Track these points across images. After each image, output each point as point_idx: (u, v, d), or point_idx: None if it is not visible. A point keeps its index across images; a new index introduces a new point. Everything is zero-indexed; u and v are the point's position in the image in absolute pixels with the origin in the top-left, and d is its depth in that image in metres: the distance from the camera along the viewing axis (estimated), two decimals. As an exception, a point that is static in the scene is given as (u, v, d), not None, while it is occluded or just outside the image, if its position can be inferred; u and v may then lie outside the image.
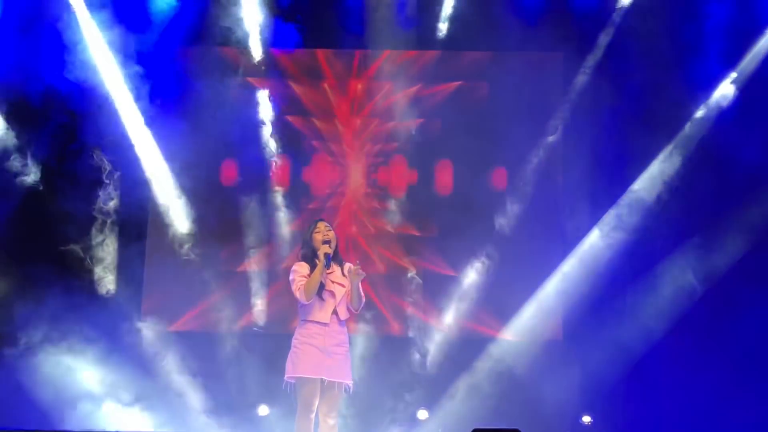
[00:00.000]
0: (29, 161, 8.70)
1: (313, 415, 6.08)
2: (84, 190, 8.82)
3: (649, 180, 8.87)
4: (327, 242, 6.13)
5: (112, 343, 8.57)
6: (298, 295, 6.10)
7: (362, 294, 6.16)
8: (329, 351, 6.04)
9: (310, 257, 6.17)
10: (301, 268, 6.18)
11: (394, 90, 9.27)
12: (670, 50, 8.66)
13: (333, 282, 6.15)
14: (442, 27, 9.17)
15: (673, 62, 8.63)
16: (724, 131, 8.63)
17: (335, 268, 6.20)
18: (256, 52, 9.11)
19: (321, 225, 6.21)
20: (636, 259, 8.72)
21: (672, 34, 8.60)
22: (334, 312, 6.11)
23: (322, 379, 6.06)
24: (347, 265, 6.28)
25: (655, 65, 8.71)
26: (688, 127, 8.84)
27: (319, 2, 9.22)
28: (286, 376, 6.15)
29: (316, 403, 6.07)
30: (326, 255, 6.06)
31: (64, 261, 8.59)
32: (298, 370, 6.04)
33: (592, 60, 8.98)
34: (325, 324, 6.07)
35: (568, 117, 9.04)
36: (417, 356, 8.87)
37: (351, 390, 6.22)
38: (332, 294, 6.13)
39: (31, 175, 8.71)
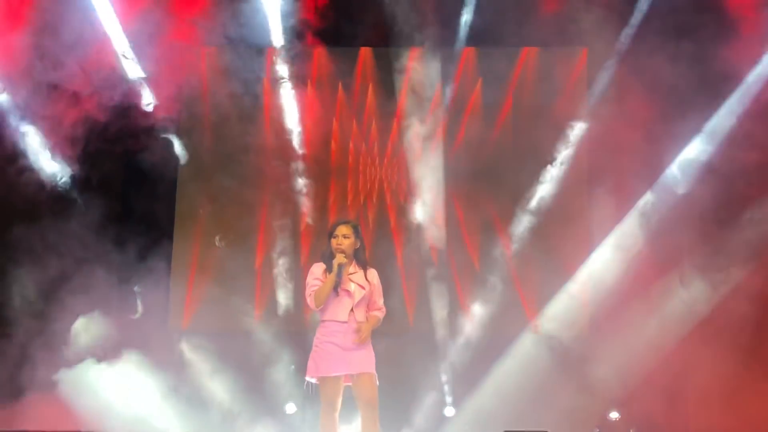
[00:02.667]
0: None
1: (336, 414, 6.03)
2: (111, 190, 8.92)
3: (679, 170, 8.79)
4: (341, 251, 6.05)
5: (141, 343, 8.64)
6: (308, 301, 6.09)
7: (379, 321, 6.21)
8: (350, 348, 6.02)
9: (328, 257, 6.13)
10: (317, 269, 6.16)
11: (421, 86, 9.29)
12: (695, 42, 8.55)
13: (352, 282, 6.09)
14: (466, 23, 9.16)
15: (697, 53, 8.51)
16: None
17: (358, 270, 6.14)
18: (282, 49, 9.15)
19: (340, 229, 6.12)
20: (664, 250, 8.65)
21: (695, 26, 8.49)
22: (352, 311, 6.07)
23: (347, 376, 6.04)
24: (371, 271, 6.22)
25: (680, 57, 8.63)
26: (718, 115, 8.73)
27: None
28: (307, 375, 6.11)
29: (339, 401, 6.04)
30: (339, 265, 6.02)
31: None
32: (320, 370, 6.03)
33: (616, 52, 8.93)
34: (343, 322, 6.03)
35: (593, 110, 9.01)
36: (444, 352, 8.87)
37: (377, 381, 6.12)
38: (349, 294, 6.08)
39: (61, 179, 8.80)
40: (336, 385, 5.99)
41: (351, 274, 6.09)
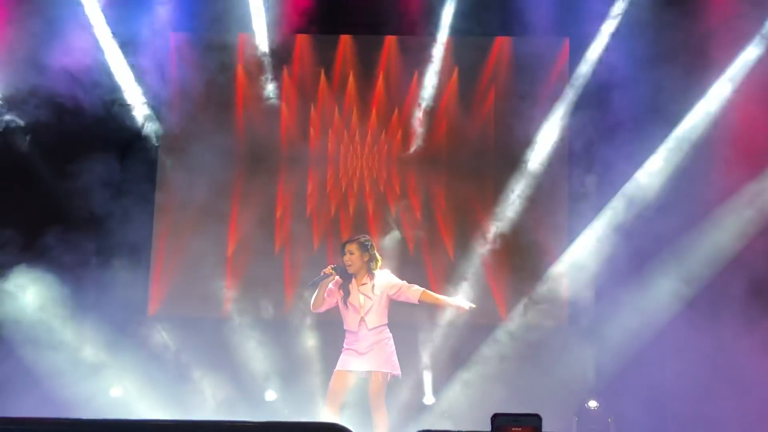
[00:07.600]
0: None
1: (337, 403, 6.63)
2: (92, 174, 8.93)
3: (657, 165, 8.79)
4: (337, 265, 6.70)
5: (119, 329, 8.67)
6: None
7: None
8: (364, 352, 6.63)
9: (340, 271, 6.72)
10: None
11: (400, 75, 9.29)
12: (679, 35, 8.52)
13: (361, 294, 6.64)
14: (448, 12, 9.11)
15: (684, 45, 8.49)
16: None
17: (367, 281, 6.69)
18: (265, 38, 9.11)
19: (348, 246, 6.71)
20: (642, 243, 8.66)
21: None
22: (362, 320, 6.63)
23: (362, 372, 6.64)
24: (379, 276, 6.71)
25: (665, 47, 8.60)
26: (698, 109, 8.74)
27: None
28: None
29: (341, 394, 6.66)
30: (323, 273, 6.66)
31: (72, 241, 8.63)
32: (337, 365, 6.74)
33: (598, 42, 8.92)
34: (354, 332, 6.68)
35: (574, 101, 9.02)
36: (422, 341, 8.89)
37: (397, 377, 6.75)
38: (354, 306, 6.66)
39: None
40: (340, 379, 6.67)
41: (362, 285, 6.68)
